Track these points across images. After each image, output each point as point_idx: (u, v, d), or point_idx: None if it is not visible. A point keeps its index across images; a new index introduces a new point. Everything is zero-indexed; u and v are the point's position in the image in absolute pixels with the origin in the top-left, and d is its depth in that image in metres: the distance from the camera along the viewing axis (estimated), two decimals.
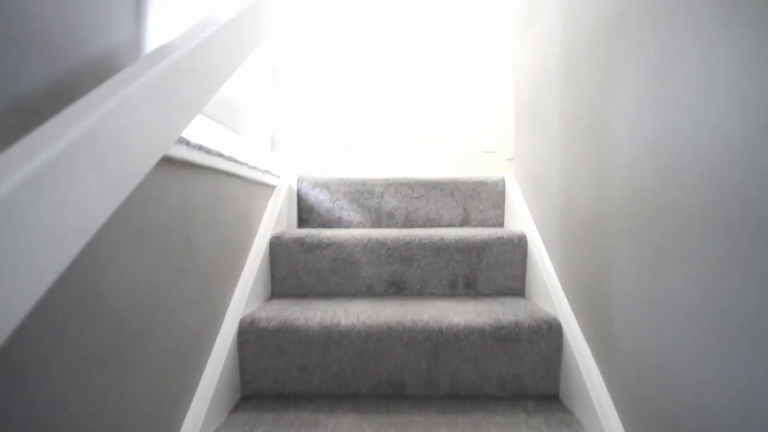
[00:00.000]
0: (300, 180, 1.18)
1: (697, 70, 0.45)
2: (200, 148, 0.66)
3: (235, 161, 0.82)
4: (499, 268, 0.97)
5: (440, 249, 0.96)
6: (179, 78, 0.50)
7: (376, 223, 1.18)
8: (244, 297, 0.84)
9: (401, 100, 2.09)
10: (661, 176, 0.51)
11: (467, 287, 0.97)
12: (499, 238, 0.97)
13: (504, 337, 0.76)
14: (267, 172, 1.04)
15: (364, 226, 1.18)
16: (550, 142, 0.89)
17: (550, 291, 0.84)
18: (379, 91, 2.09)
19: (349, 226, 1.18)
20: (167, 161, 0.58)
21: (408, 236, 0.97)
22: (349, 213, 1.18)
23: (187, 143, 0.62)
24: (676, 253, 0.48)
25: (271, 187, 1.08)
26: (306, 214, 1.18)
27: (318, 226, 1.18)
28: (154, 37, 0.57)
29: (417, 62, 2.10)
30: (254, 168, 0.94)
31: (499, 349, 0.76)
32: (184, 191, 0.63)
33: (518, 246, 0.97)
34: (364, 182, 1.18)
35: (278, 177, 1.14)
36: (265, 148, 1.13)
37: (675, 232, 0.49)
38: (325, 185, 1.18)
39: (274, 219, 1.04)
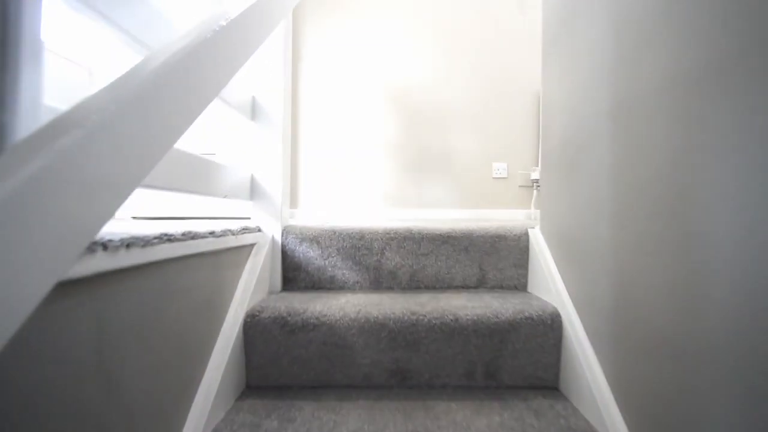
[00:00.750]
0: (285, 232, 1.00)
1: None
2: (130, 244, 0.48)
3: (194, 237, 0.64)
4: (527, 354, 0.79)
5: (454, 331, 0.78)
6: (86, 161, 0.32)
7: (376, 284, 0.99)
8: (206, 409, 0.65)
9: (403, 124, 1.89)
10: None
11: (488, 377, 0.79)
12: (527, 318, 0.78)
13: None
14: (243, 230, 0.86)
15: (362, 287, 1.00)
16: (595, 206, 0.70)
17: (597, 400, 0.65)
18: (377, 117, 1.90)
19: (343, 287, 0.99)
20: (70, 283, 0.40)
21: (414, 315, 0.79)
22: (343, 272, 0.99)
23: (105, 246, 0.44)
24: None
25: (248, 247, 0.90)
26: (293, 272, 1.00)
27: (306, 287, 1.00)
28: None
29: (420, 81, 1.89)
30: (224, 233, 0.76)
31: None
32: (103, 312, 0.45)
33: (551, 328, 0.78)
34: (361, 235, 0.99)
35: (258, 230, 0.96)
36: (243, 196, 0.95)
37: None
38: (315, 239, 0.99)
39: (252, 286, 0.86)
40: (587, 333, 0.73)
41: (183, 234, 0.61)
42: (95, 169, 0.32)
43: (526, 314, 0.79)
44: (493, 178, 1.90)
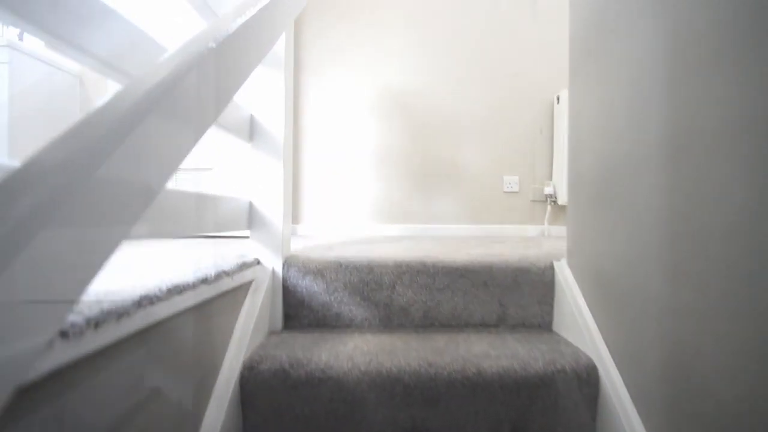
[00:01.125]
0: (287, 264, 0.91)
1: None
2: (99, 323, 0.39)
3: (182, 291, 0.55)
4: (559, 412, 0.70)
5: (476, 386, 0.69)
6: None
7: (386, 321, 0.91)
8: None
9: (410, 135, 1.80)
10: None
11: None
12: (559, 372, 0.70)
13: None
14: (241, 266, 0.77)
15: (370, 324, 0.91)
16: (643, 252, 0.61)
17: None
18: (383, 128, 1.81)
19: (350, 325, 0.91)
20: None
21: (432, 368, 0.70)
22: (350, 308, 0.91)
23: (65, 334, 0.35)
24: None
25: (246, 285, 0.81)
26: (294, 309, 0.91)
27: (310, 325, 0.91)
28: None
29: (427, 89, 1.79)
30: (218, 277, 0.67)
31: None
32: (64, 408, 0.36)
33: (587, 383, 0.70)
34: (370, 268, 0.90)
35: (257, 263, 0.87)
36: (240, 226, 0.86)
37: None
38: (320, 272, 0.90)
39: (250, 330, 0.77)
40: (630, 393, 0.64)
41: (169, 290, 0.52)
42: (25, 288, 0.23)
43: (558, 366, 0.70)
44: (504, 192, 1.81)
